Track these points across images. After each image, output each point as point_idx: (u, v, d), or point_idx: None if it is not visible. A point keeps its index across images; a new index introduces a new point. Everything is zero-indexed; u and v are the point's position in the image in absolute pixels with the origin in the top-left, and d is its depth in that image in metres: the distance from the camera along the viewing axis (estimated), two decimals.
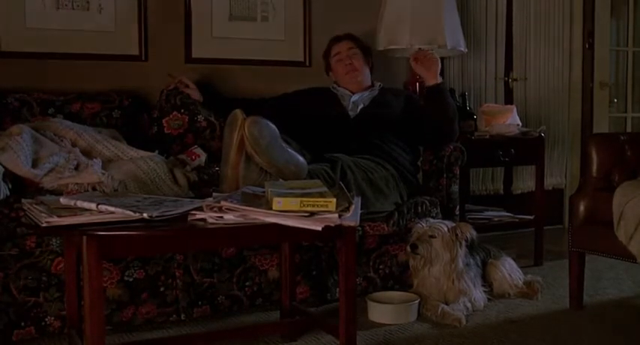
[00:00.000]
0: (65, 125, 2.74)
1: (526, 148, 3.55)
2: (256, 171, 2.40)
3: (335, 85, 3.29)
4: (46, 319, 2.34)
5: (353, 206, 1.94)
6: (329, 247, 2.73)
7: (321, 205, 1.83)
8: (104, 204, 1.77)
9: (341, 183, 2.45)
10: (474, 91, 4.17)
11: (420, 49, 3.27)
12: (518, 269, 3.00)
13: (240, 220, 1.84)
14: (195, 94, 3.16)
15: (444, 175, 3.08)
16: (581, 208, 2.67)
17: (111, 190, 2.43)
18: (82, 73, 3.14)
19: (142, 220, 1.74)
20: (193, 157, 2.98)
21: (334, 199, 1.85)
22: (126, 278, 2.42)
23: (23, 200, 1.99)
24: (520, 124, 3.62)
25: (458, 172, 3.10)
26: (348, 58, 3.22)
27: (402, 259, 2.89)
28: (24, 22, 3.04)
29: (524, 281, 2.95)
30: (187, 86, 3.16)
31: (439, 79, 3.09)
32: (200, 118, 3.16)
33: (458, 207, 3.12)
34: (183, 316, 2.51)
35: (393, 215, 2.85)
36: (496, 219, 3.63)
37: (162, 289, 2.48)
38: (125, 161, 2.63)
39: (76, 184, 2.45)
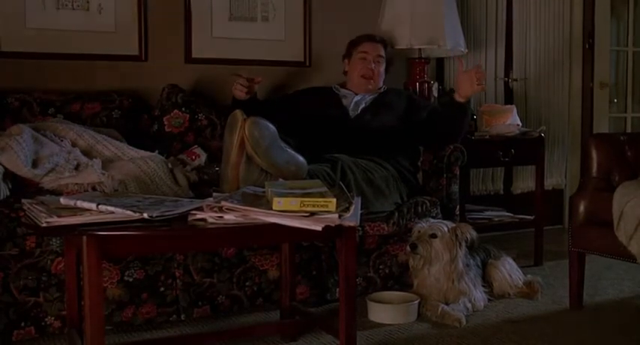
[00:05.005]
0: (65, 125, 2.74)
1: (526, 148, 3.55)
2: (257, 171, 2.40)
3: (337, 86, 3.28)
4: (46, 319, 2.34)
5: (353, 206, 1.94)
6: (329, 247, 2.72)
7: (322, 205, 1.83)
8: (104, 204, 1.76)
9: (341, 183, 2.45)
10: None
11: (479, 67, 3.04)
12: (518, 269, 3.00)
13: (241, 220, 1.84)
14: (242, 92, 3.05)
15: (444, 175, 3.08)
16: (581, 208, 2.67)
17: (111, 190, 2.43)
18: (82, 73, 3.14)
19: (142, 220, 1.74)
20: (193, 157, 2.98)
21: (334, 199, 1.85)
22: (126, 278, 2.42)
23: (23, 200, 1.99)
24: (520, 124, 3.62)
25: (458, 172, 3.10)
26: (371, 63, 3.20)
27: (402, 259, 2.89)
28: (24, 22, 3.04)
29: (524, 281, 2.95)
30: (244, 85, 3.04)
31: (468, 99, 2.97)
32: (201, 116, 3.16)
33: (458, 207, 3.12)
34: (183, 316, 2.51)
35: (393, 215, 2.85)
36: (496, 219, 3.63)
37: (162, 289, 2.48)
38: (125, 161, 2.63)
39: (76, 184, 2.45)
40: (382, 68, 3.25)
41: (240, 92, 3.03)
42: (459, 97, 2.96)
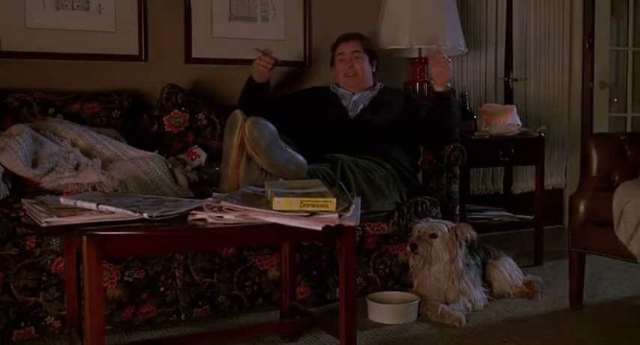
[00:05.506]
0: (65, 125, 2.74)
1: (526, 148, 3.55)
2: (257, 171, 2.40)
3: (335, 86, 3.29)
4: (46, 319, 2.33)
5: (353, 206, 1.94)
6: (329, 247, 2.72)
7: (321, 205, 1.83)
8: (104, 204, 1.77)
9: (341, 183, 2.45)
10: (474, 91, 4.17)
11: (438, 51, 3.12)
12: (519, 269, 3.00)
13: (240, 220, 1.84)
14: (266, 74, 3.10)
15: (444, 175, 3.08)
16: (581, 208, 2.67)
17: (111, 190, 2.43)
18: (82, 73, 3.14)
19: (142, 220, 1.74)
20: (193, 157, 2.98)
21: (334, 199, 1.85)
22: (126, 278, 2.42)
23: (23, 200, 1.99)
24: (520, 124, 3.62)
25: (458, 172, 3.10)
26: (349, 61, 3.21)
27: (402, 259, 2.89)
28: (24, 22, 3.04)
29: (524, 281, 2.95)
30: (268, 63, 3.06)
31: (445, 87, 3.02)
32: (200, 116, 3.17)
33: (458, 207, 3.12)
34: (183, 316, 2.51)
35: (393, 215, 2.85)
36: (496, 219, 3.64)
37: (162, 289, 2.48)
38: (125, 161, 2.64)
39: (76, 184, 2.45)
40: (364, 63, 3.23)
41: (264, 69, 3.05)
42: (437, 88, 3.02)
